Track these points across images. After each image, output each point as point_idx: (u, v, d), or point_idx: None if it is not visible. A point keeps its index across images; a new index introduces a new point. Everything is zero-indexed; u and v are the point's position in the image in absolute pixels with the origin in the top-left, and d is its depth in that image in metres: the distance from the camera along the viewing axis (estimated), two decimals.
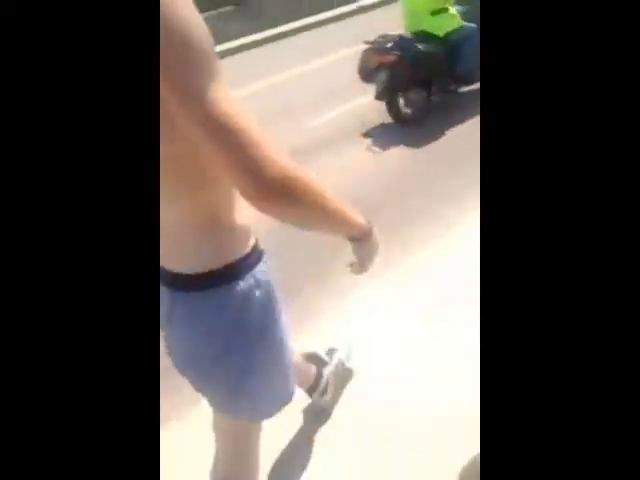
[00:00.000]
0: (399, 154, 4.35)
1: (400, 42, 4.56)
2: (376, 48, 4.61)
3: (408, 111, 4.77)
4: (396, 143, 4.51)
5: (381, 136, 4.73)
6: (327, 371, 1.92)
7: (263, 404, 1.20)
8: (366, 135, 4.78)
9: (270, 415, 1.23)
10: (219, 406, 1.20)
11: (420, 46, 4.54)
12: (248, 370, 1.11)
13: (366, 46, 4.75)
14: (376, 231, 1.18)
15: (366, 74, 4.71)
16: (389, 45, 4.54)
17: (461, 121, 4.67)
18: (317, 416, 1.97)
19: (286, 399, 1.24)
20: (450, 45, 4.68)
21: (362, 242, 1.16)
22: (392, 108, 4.67)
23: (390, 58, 4.46)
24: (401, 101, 4.71)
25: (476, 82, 5.01)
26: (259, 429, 1.31)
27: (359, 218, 1.10)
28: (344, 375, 2.07)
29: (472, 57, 4.72)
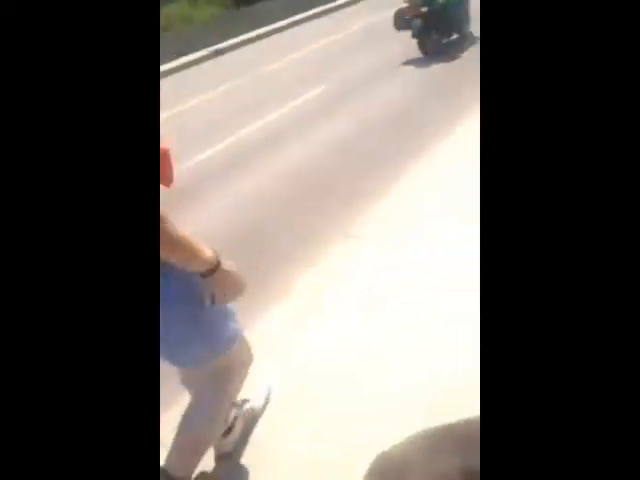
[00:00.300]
0: (423, 72, 6.96)
1: (426, 1, 7.27)
2: (411, 5, 7.27)
3: (430, 47, 7.45)
4: (425, 65, 7.13)
5: (415, 62, 7.33)
6: (234, 413, 1.85)
7: (211, 346, 1.46)
8: (407, 63, 7.34)
9: (215, 357, 1.47)
10: (177, 357, 1.46)
11: (439, 4, 7.28)
12: (196, 318, 1.39)
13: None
14: (230, 267, 1.32)
15: (401, 24, 7.36)
16: (420, 2, 7.23)
17: (458, 54, 7.43)
18: (220, 458, 1.82)
19: (234, 337, 1.51)
20: (450, 6, 7.45)
21: (210, 278, 1.30)
22: (421, 44, 7.37)
23: (423, 11, 7.14)
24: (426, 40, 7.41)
25: (458, 33, 7.83)
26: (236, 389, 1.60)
27: (204, 251, 1.27)
28: (252, 420, 1.95)
29: (459, 15, 7.55)
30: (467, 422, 0.91)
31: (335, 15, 14.32)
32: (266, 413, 2.00)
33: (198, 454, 1.62)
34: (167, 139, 1.25)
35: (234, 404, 1.80)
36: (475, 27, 7.52)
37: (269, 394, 2.03)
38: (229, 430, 1.78)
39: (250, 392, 1.94)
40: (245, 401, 1.92)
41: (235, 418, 1.82)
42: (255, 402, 1.95)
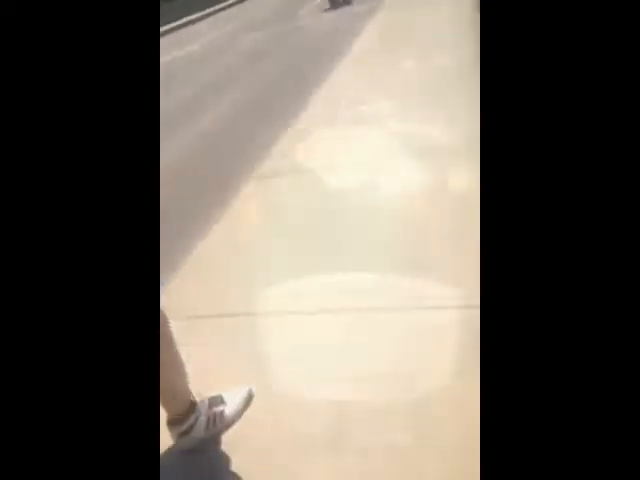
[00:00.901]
0: (334, 18, 10.42)
1: None
2: None
3: (337, 2, 10.20)
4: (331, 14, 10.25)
5: (326, 13, 10.59)
6: (199, 415, 1.82)
7: None
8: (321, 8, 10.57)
9: None
10: None
11: None
12: None
13: None
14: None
15: None
16: None
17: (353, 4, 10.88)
18: (183, 448, 1.80)
19: None
20: None
21: None
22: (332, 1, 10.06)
23: None
24: None
25: None
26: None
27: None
28: (223, 422, 1.89)
29: None
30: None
31: None
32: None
33: (175, 389, 1.74)
34: None
35: (200, 403, 1.83)
36: None
37: (248, 399, 1.97)
38: (186, 432, 1.78)
39: (229, 396, 1.90)
40: (216, 401, 1.89)
41: (196, 419, 1.81)
42: (230, 407, 1.91)
